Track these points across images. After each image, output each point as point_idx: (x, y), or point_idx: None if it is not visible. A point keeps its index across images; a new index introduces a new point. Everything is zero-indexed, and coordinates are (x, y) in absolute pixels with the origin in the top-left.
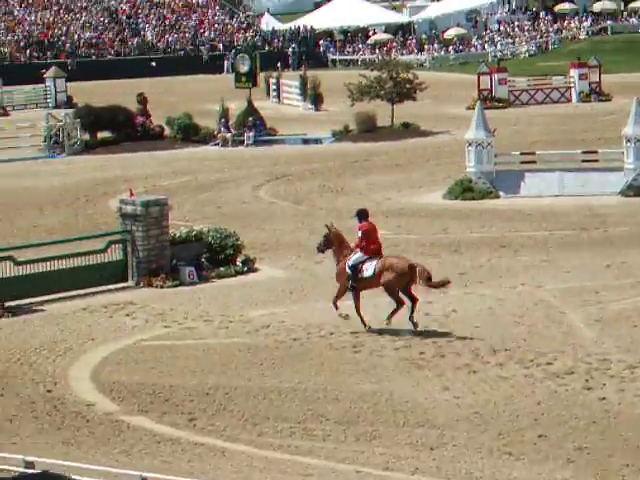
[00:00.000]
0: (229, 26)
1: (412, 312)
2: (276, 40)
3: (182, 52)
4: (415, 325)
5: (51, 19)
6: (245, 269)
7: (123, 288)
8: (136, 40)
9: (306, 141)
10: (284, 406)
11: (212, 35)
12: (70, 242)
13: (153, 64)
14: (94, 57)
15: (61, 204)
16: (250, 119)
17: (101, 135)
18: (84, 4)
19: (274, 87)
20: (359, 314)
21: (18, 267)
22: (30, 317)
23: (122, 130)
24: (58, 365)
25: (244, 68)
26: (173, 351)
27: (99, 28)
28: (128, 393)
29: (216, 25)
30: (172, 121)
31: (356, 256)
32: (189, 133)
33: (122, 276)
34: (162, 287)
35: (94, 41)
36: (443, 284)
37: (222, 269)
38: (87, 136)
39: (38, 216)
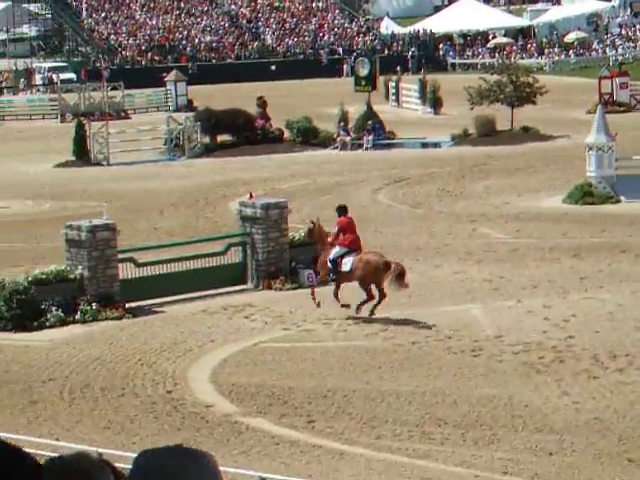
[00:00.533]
0: (349, 30)
1: (376, 304)
2: (395, 44)
3: (302, 56)
4: (371, 313)
5: (172, 23)
6: None
7: (242, 290)
8: (256, 44)
9: (425, 145)
10: (402, 409)
11: (332, 39)
12: (190, 244)
13: (273, 68)
14: (214, 61)
15: (181, 206)
16: (369, 123)
17: (221, 138)
18: (205, 8)
19: (393, 91)
20: (336, 297)
21: (139, 269)
22: (150, 318)
23: (242, 133)
24: (178, 366)
25: (363, 72)
26: (292, 353)
27: (220, 32)
28: (247, 395)
29: (336, 29)
30: (291, 124)
31: (335, 250)
32: (308, 136)
33: (241, 278)
34: (281, 289)
35: (214, 45)
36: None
37: None
38: (207, 139)
39: (158, 218)
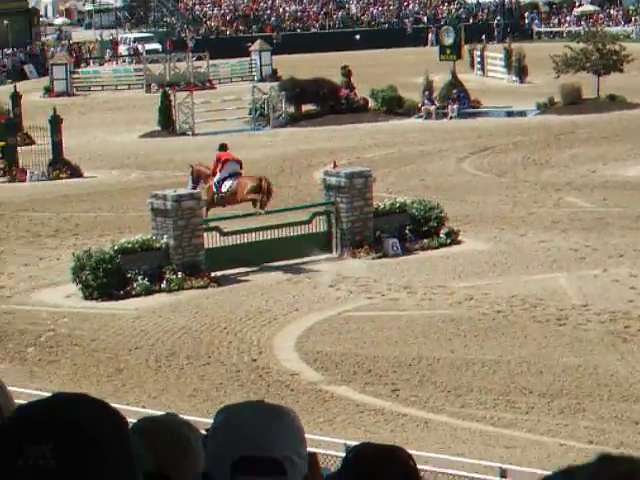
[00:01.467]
0: None
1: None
2: (481, 12)
3: (386, 25)
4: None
5: None
6: (448, 241)
7: (327, 259)
8: (341, 13)
9: (510, 114)
10: (487, 378)
11: (416, 8)
12: (275, 213)
13: (357, 37)
14: (299, 30)
15: (266, 175)
16: (454, 91)
17: (305, 108)
18: None
19: (478, 59)
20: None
21: (224, 238)
22: (235, 287)
23: (326, 103)
24: (263, 335)
25: (448, 41)
26: (376, 322)
27: (304, 1)
28: (331, 363)
29: None
30: (376, 94)
31: (218, 176)
32: (393, 106)
33: (326, 247)
34: (365, 258)
35: (299, 14)
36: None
37: (425, 241)
38: (292, 109)
39: None
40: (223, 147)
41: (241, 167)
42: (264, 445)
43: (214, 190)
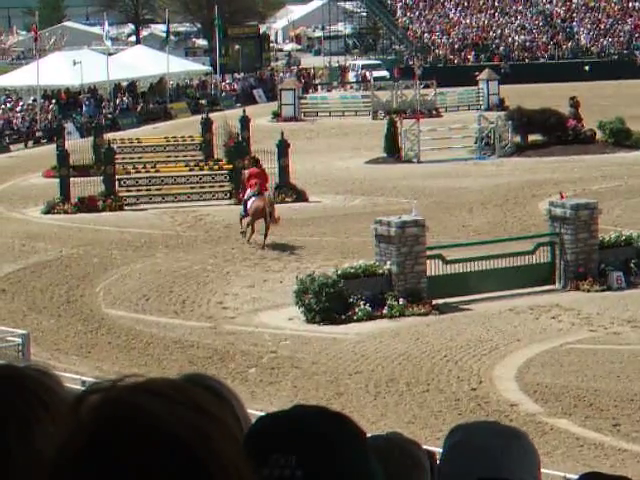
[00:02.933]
0: None
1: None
2: None
3: (616, 56)
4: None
5: (486, 22)
6: None
7: (549, 291)
8: (570, 44)
9: None
10: None
11: None
12: (498, 243)
13: (586, 68)
14: (527, 60)
15: (490, 205)
16: None
17: (532, 138)
18: (519, 7)
19: None
20: (240, 222)
21: (447, 266)
22: (457, 315)
23: (553, 133)
24: (483, 364)
25: None
26: (598, 355)
27: (533, 31)
28: (552, 395)
29: None
30: (604, 125)
31: (247, 192)
32: (621, 138)
33: (549, 278)
34: (589, 291)
35: (528, 44)
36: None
37: None
38: (518, 138)
39: (467, 216)
40: (256, 162)
41: (265, 181)
42: (505, 467)
43: (243, 204)
